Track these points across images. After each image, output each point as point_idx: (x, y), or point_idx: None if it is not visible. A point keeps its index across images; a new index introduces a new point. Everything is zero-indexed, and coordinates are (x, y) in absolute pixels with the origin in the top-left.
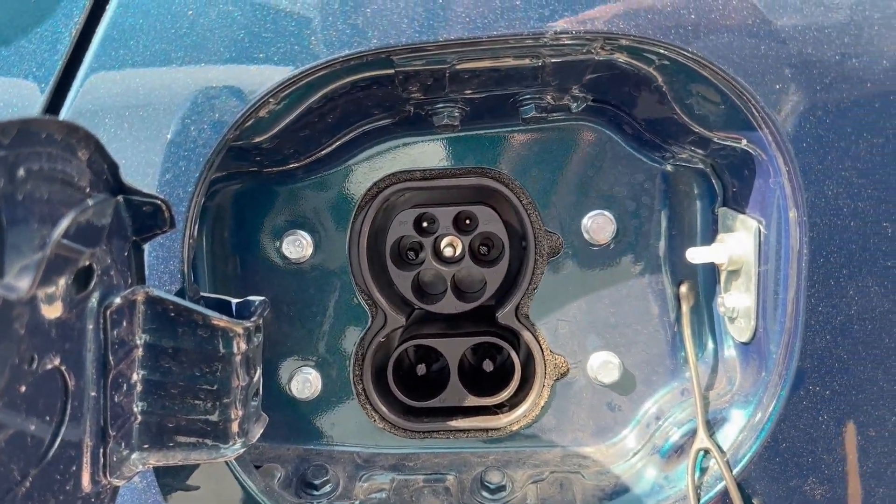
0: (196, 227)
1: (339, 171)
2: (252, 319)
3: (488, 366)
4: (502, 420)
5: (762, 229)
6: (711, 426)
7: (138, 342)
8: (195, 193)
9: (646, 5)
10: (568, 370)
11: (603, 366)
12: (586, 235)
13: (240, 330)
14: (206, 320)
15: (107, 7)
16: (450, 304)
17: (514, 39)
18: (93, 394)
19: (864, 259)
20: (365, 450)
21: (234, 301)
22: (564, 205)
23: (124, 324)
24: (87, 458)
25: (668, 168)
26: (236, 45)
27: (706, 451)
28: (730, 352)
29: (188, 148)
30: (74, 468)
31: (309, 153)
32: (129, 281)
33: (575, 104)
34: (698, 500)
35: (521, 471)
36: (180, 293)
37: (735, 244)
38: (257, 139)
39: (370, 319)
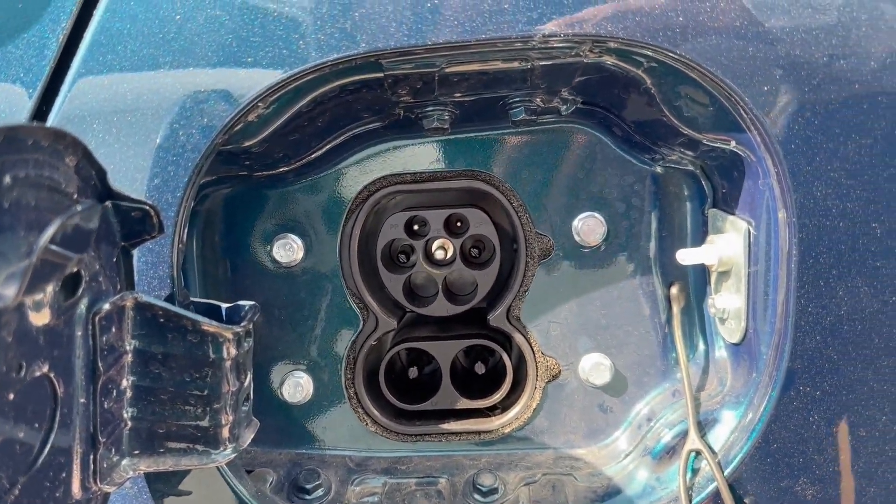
0: (185, 231)
1: (329, 174)
2: (242, 324)
3: (480, 368)
4: (494, 422)
5: (752, 230)
6: (703, 427)
7: (128, 348)
8: (184, 198)
9: (634, 8)
10: (560, 372)
11: (594, 367)
12: (577, 237)
13: (229, 335)
14: (195, 326)
15: (94, 12)
16: (441, 307)
17: (503, 43)
18: (82, 400)
19: (854, 260)
20: (357, 453)
21: (224, 306)
22: (555, 207)
23: (113, 330)
24: (76, 465)
25: (658, 170)
26: (224, 50)
27: (698, 452)
28: (721, 353)
29: (177, 153)
30: (64, 475)
31: (299, 157)
32: (118, 287)
33: (564, 107)
34: (690, 501)
35: (513, 473)
36: (170, 298)
37: (725, 245)
38: (246, 143)
39: (361, 323)
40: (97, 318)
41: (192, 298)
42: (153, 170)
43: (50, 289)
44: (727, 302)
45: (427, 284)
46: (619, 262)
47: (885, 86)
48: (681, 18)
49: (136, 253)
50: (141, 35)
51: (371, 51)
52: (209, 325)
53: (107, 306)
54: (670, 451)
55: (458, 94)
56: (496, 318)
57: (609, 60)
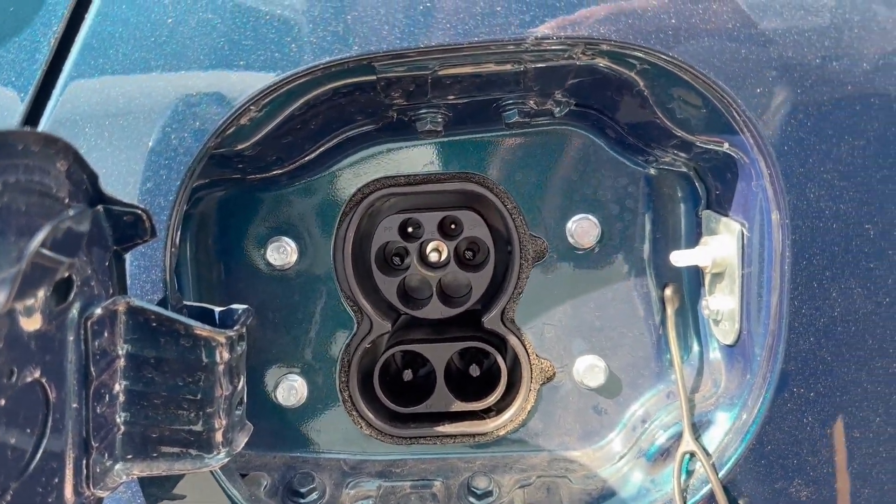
0: (178, 235)
1: (323, 177)
2: (235, 328)
3: (475, 371)
4: (489, 425)
5: (745, 232)
6: (697, 429)
7: (120, 353)
8: (176, 202)
9: (626, 10)
10: (554, 374)
11: (589, 369)
12: (571, 239)
13: (222, 339)
14: (188, 330)
15: (86, 15)
16: (435, 310)
17: (496, 45)
18: (74, 405)
19: (847, 261)
20: (351, 457)
21: (218, 310)
22: (549, 209)
23: (106, 334)
24: (69, 470)
25: (652, 171)
26: (216, 53)
27: (692, 454)
28: (715, 354)
29: (169, 156)
30: (57, 480)
31: (292, 160)
32: (111, 291)
33: (558, 109)
34: (684, 503)
35: (507, 476)
36: (163, 302)
37: (719, 247)
38: (239, 146)
39: (356, 325)
40: (89, 323)
41: (185, 302)
42: (145, 173)
43: (41, 294)
44: (721, 303)
45: (421, 287)
46: (613, 264)
47: (877, 87)
48: (673, 20)
49: (128, 257)
50: (133, 38)
51: (364, 54)
52: (202, 329)
53: (99, 311)
54: (665, 453)
55: (452, 97)
56: (490, 320)
57: (602, 63)
